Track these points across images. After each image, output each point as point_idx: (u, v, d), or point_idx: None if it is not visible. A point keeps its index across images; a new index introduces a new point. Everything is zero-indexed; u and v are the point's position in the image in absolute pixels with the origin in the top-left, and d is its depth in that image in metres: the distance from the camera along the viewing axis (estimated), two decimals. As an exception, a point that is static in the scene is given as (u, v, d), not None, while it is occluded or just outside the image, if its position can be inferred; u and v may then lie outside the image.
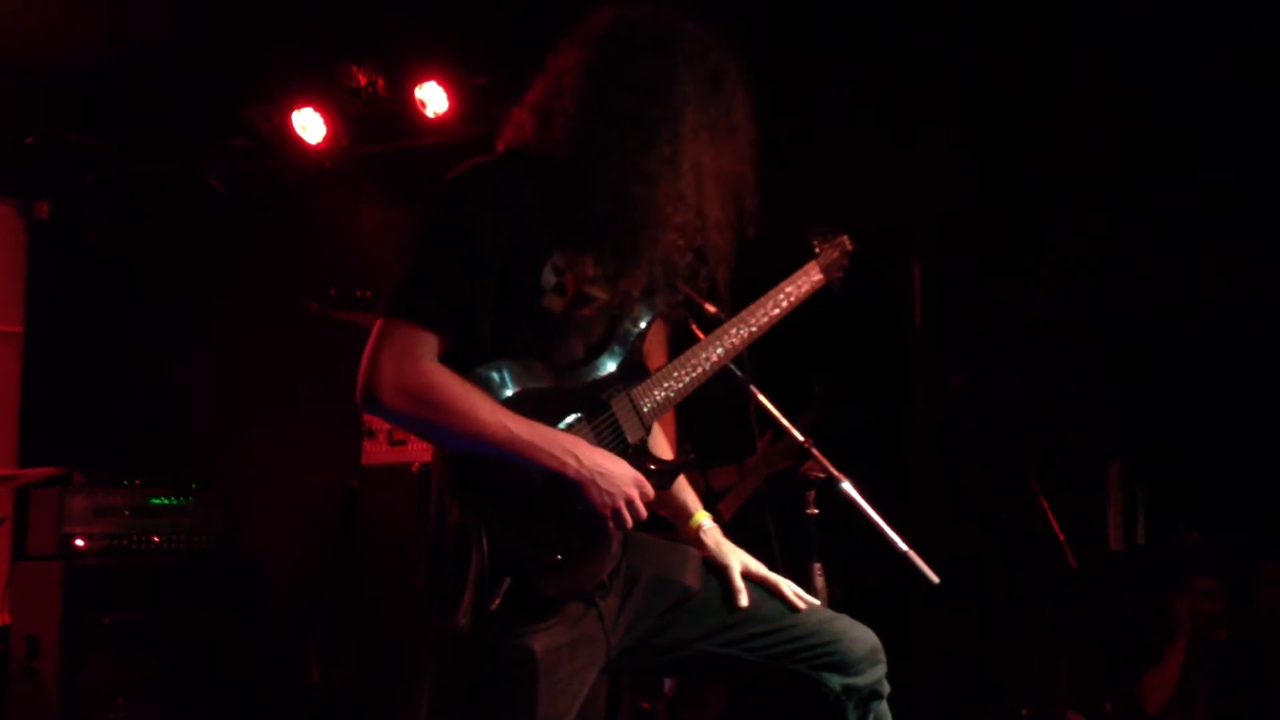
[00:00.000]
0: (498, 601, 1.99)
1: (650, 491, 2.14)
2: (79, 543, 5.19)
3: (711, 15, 2.22)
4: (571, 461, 2.04)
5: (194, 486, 5.60)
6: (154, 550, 5.39)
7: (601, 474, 2.06)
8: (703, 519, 2.45)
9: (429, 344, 2.01)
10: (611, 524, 2.09)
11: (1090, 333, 5.19)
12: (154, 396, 6.53)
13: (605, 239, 2.11)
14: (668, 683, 4.62)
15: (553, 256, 2.11)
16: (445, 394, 1.99)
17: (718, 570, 2.37)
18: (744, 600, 2.33)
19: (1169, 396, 5.06)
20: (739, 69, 2.22)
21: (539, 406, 2.07)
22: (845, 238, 2.68)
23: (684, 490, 2.49)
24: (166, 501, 5.49)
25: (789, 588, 2.40)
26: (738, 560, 2.40)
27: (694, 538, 2.44)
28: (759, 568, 2.42)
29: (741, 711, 4.56)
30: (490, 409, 2.00)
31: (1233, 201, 4.96)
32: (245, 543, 5.78)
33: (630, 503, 2.10)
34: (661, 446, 2.43)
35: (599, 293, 2.19)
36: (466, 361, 2.05)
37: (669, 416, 2.46)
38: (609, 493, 2.07)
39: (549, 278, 2.10)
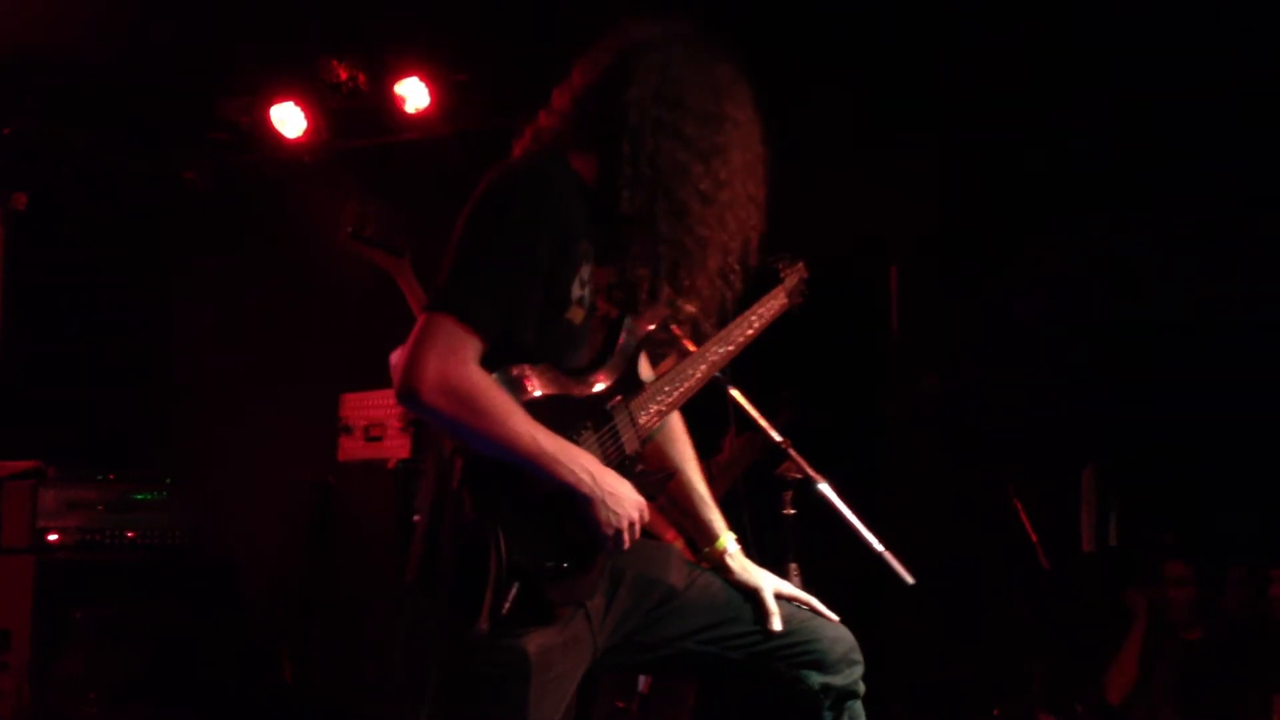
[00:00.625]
0: (508, 606, 2.01)
1: (648, 515, 2.18)
2: (52, 537, 5.16)
3: (697, 22, 2.24)
4: (586, 479, 2.08)
5: (169, 481, 5.57)
6: (128, 545, 5.36)
7: (611, 495, 2.11)
8: (728, 542, 2.48)
9: (475, 346, 2.02)
10: (611, 543, 2.14)
11: (1066, 338, 5.23)
12: (130, 391, 6.50)
13: (646, 257, 2.16)
14: (642, 681, 4.63)
15: (581, 268, 2.15)
16: (486, 400, 2.01)
17: (748, 593, 2.40)
18: (777, 624, 2.36)
19: (1143, 401, 5.10)
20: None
21: (553, 414, 2.10)
22: (802, 264, 2.77)
23: (709, 509, 2.51)
24: (141, 496, 5.46)
25: (820, 605, 2.45)
26: (769, 582, 2.42)
27: (720, 561, 2.46)
28: (790, 588, 2.45)
29: (715, 709, 4.57)
30: (523, 419, 2.03)
31: (1211, 210, 5.01)
32: (220, 538, 5.75)
33: (632, 525, 2.15)
34: (681, 446, 2.49)
35: (606, 304, 2.23)
36: (488, 361, 2.06)
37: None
38: (615, 513, 2.11)
39: (577, 290, 2.15)
